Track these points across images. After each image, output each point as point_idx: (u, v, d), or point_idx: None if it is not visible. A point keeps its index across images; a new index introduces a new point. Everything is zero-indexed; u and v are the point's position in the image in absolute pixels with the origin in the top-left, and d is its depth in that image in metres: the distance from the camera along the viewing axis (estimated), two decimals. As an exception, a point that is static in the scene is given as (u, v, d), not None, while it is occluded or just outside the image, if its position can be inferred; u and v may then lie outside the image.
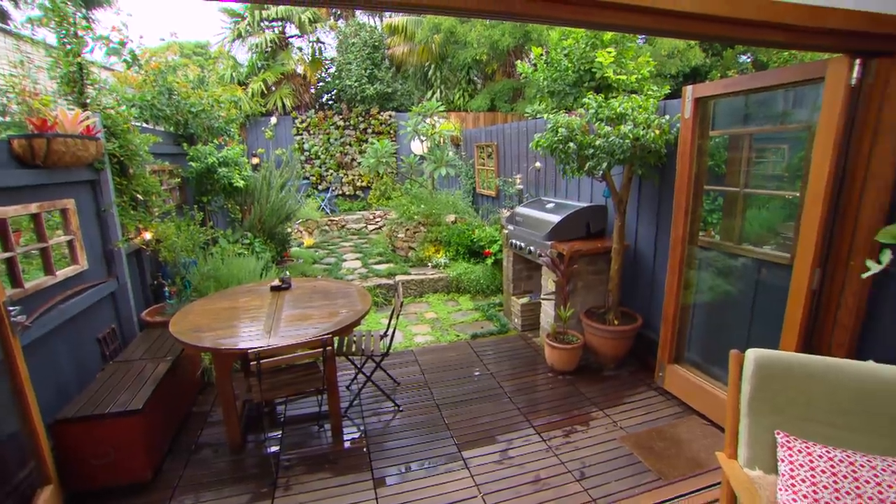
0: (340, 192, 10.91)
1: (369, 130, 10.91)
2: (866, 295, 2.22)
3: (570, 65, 4.75)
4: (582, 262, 3.91)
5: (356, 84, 10.65)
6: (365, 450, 2.94)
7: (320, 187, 10.79)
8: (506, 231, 4.86)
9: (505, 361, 4.12)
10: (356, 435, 3.11)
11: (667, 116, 3.41)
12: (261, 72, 10.62)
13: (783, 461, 1.66)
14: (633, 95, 3.56)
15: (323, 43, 11.59)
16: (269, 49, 10.73)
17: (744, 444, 1.82)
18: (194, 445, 3.02)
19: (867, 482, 1.52)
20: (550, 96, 5.02)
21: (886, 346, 2.00)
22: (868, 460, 1.57)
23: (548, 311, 4.07)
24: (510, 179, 6.25)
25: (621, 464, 2.76)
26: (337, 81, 11.03)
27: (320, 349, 2.68)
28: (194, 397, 3.54)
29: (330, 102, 11.41)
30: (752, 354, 1.83)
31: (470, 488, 2.58)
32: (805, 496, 1.56)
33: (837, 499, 1.52)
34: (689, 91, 3.07)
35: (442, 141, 7.43)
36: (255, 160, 9.37)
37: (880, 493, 1.50)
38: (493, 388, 3.66)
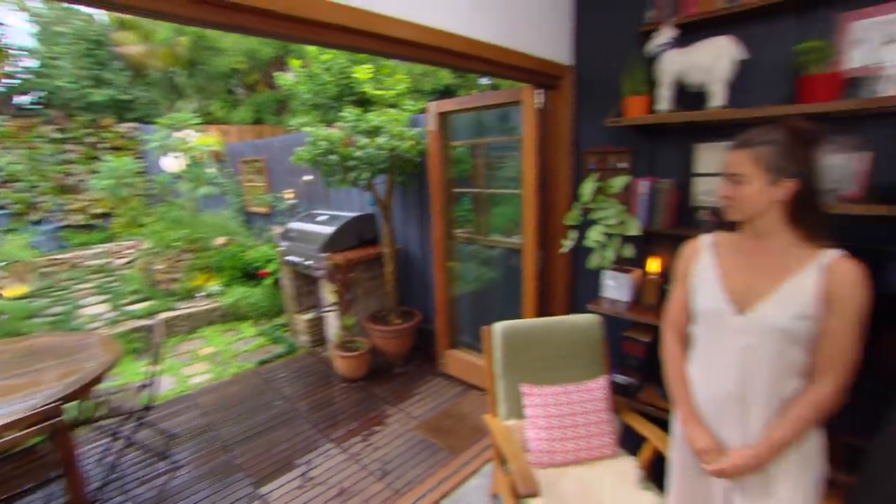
0: (68, 222, 8.62)
1: (103, 146, 8.94)
2: (568, 268, 2.92)
3: (330, 79, 4.83)
4: (359, 270, 4.05)
5: (75, 86, 8.57)
6: (131, 529, 2.44)
7: (32, 218, 8.30)
8: (281, 248, 4.67)
9: (297, 381, 3.96)
10: (117, 516, 2.55)
11: (418, 129, 3.80)
12: None
13: (526, 406, 2.07)
14: (389, 109, 3.86)
15: (5, 25, 8.80)
16: None
17: (502, 401, 2.18)
18: None
19: (571, 403, 2.05)
20: (314, 109, 5.02)
21: (582, 303, 2.70)
22: (575, 386, 2.10)
23: (333, 323, 4.07)
24: (282, 195, 6.01)
25: (418, 450, 2.97)
26: (42, 80, 8.66)
27: (46, 423, 2.08)
28: None
29: (35, 107, 8.86)
30: (498, 327, 2.20)
31: (269, 526, 2.41)
32: (541, 427, 2.00)
33: (560, 420, 2.01)
34: (433, 107, 3.50)
35: (201, 157, 6.63)
36: None
37: (583, 407, 2.05)
38: (287, 411, 3.47)
